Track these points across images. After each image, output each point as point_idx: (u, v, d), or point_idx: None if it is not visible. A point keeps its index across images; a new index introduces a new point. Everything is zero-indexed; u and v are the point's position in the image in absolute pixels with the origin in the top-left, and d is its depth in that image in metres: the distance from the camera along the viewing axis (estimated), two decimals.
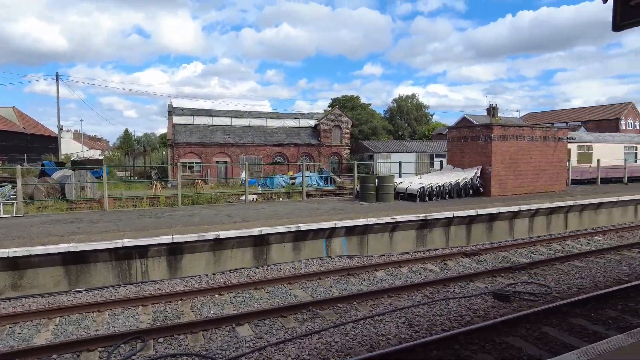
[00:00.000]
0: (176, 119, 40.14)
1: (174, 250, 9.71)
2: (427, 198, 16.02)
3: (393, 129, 72.26)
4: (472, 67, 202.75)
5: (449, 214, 12.84)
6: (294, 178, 32.81)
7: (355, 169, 19.48)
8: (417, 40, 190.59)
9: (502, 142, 16.91)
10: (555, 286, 9.35)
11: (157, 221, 11.82)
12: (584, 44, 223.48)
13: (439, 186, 16.43)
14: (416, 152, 43.80)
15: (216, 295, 8.62)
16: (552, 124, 62.22)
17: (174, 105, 42.06)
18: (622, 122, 59.83)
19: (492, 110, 56.08)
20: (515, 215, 14.21)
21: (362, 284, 9.56)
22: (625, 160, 26.02)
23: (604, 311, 7.82)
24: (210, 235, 9.87)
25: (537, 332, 6.80)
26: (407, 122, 75.33)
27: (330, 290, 9.06)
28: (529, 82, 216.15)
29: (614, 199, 16.81)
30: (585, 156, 25.38)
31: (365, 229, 11.80)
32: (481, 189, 17.05)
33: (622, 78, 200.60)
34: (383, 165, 41.95)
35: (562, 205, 15.30)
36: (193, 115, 41.55)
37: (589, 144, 25.85)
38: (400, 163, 23.37)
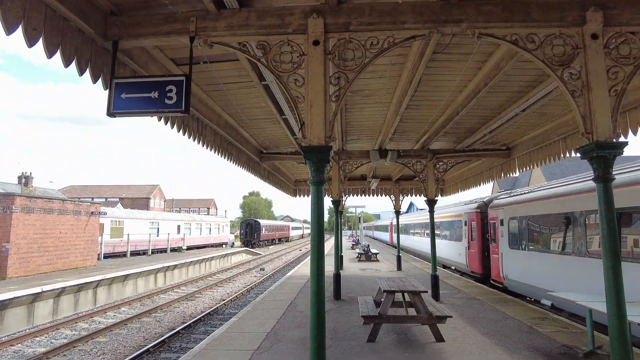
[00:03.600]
0: None
1: None
2: None
3: None
4: None
5: None
6: None
7: None
8: None
9: (26, 215, 15.01)
10: None
11: None
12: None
13: None
14: None
15: None
16: (93, 198, 62.88)
17: None
18: (152, 201, 69.10)
19: (24, 178, 49.81)
20: (36, 297, 12.56)
21: None
22: (150, 234, 29.70)
23: None
24: None
25: None
26: None
27: None
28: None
29: (139, 269, 18.44)
30: (118, 231, 26.89)
31: None
32: None
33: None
34: None
35: (91, 280, 15.07)
36: None
37: (121, 219, 27.67)
38: None
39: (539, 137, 9.55)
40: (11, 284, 13.20)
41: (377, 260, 23.25)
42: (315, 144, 3.71)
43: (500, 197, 14.10)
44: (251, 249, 41.06)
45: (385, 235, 52.15)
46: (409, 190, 18.54)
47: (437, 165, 11.14)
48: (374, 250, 24.55)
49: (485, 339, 7.06)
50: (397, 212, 19.14)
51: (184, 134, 5.99)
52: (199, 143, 6.69)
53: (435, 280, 10.86)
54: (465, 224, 16.76)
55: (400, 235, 21.33)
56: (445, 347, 6.54)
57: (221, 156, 8.09)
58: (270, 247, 55.08)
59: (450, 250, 18.64)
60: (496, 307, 9.93)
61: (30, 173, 48.16)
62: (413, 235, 28.94)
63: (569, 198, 9.17)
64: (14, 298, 11.74)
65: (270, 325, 8.34)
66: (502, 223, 12.95)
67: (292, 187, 18.34)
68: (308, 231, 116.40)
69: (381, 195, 18.95)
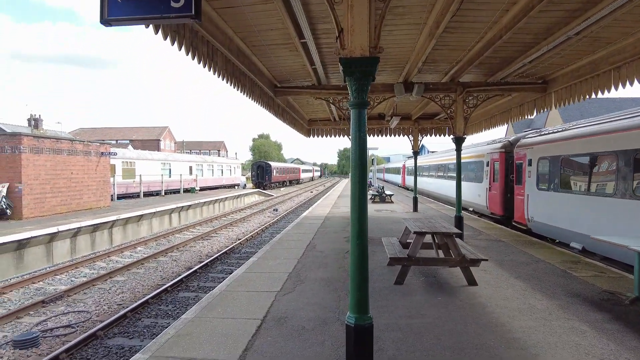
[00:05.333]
0: None
1: None
2: None
3: None
4: None
5: None
6: None
7: None
8: None
9: (36, 155, 14.66)
10: (96, 309, 8.69)
11: None
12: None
13: None
14: None
15: None
16: (103, 140, 62.76)
17: None
18: (162, 142, 68.91)
19: (34, 121, 49.48)
20: (53, 237, 12.52)
21: None
22: (162, 175, 29.56)
23: (141, 322, 7.90)
24: None
25: None
26: None
27: None
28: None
29: (153, 210, 18.38)
30: (130, 172, 26.73)
31: None
32: (8, 211, 14.03)
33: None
34: None
35: (106, 220, 15.01)
36: None
37: (132, 160, 27.41)
38: None
39: (584, 68, 8.59)
40: (27, 224, 13.15)
41: (392, 202, 22.94)
42: (357, 56, 3.00)
43: (529, 136, 13.26)
44: (263, 191, 41.14)
45: (396, 178, 51.75)
46: (428, 130, 17.68)
47: (467, 100, 10.27)
48: (388, 192, 24.19)
49: (520, 282, 6.67)
50: (416, 153, 18.42)
51: (193, 58, 5.25)
52: (209, 70, 5.95)
53: (459, 221, 10.42)
54: (487, 165, 16.07)
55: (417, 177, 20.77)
56: (480, 291, 6.17)
57: (234, 87, 7.35)
58: (282, 189, 55.29)
59: (469, 191, 18.11)
60: (523, 250, 9.53)
61: (40, 115, 47.53)
62: (428, 177, 28.39)
63: (619, 135, 8.32)
64: (32, 237, 11.67)
65: (291, 266, 8.07)
66: (529, 163, 12.24)
67: (306, 127, 17.60)
68: (318, 174, 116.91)
69: (399, 135, 18.13)
